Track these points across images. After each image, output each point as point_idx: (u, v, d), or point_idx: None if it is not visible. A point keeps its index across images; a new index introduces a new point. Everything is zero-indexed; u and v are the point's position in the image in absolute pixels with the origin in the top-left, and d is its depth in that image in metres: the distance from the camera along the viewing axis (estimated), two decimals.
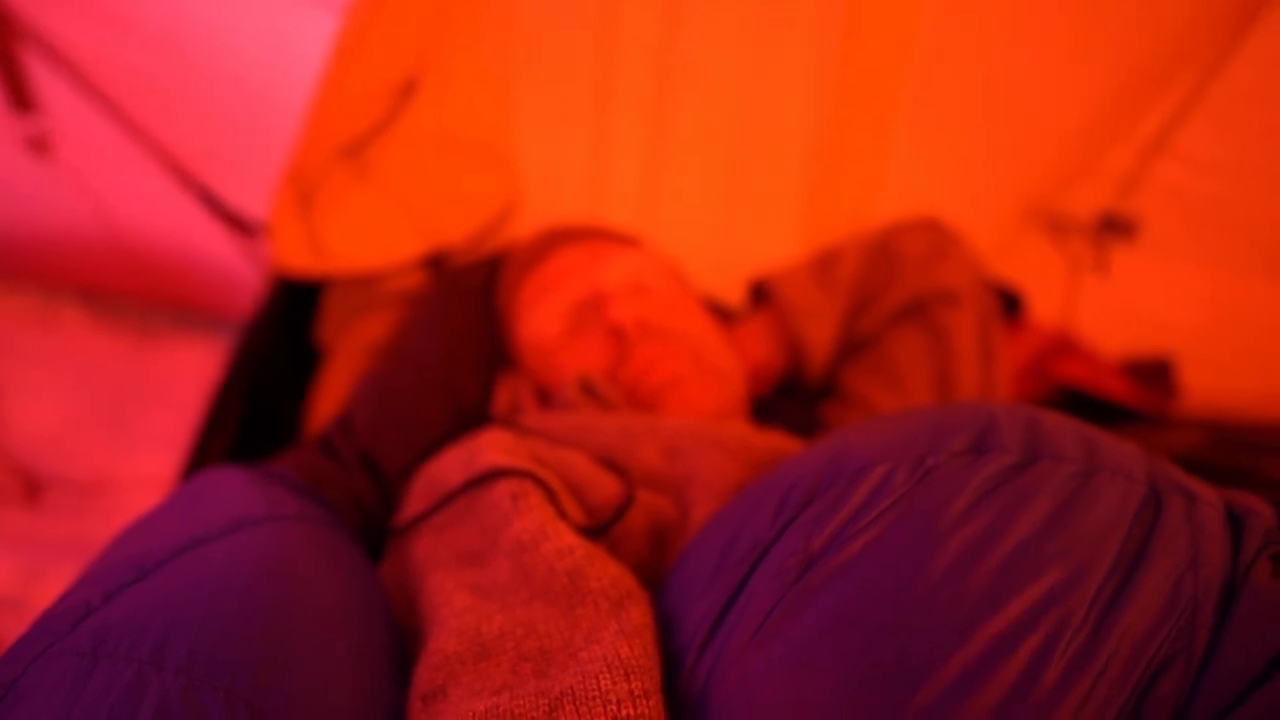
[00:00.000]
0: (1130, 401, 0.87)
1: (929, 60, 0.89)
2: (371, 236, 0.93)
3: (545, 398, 0.75)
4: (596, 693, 0.35)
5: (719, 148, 0.97)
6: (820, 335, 0.81)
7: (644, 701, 0.35)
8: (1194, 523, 0.37)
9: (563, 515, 0.48)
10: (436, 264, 0.93)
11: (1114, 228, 0.91)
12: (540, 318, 0.74)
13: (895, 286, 0.81)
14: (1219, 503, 0.39)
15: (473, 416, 0.73)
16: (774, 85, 0.92)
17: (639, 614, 0.41)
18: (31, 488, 1.06)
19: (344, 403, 0.73)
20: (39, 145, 1.07)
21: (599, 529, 0.49)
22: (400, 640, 0.48)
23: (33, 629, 0.35)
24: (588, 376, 0.67)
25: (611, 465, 0.54)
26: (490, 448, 0.54)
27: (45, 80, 1.01)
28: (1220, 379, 0.90)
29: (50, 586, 0.94)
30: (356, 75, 0.84)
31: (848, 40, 0.88)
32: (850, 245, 0.85)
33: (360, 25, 0.81)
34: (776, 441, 0.57)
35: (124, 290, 1.30)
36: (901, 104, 0.92)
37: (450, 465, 0.56)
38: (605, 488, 0.52)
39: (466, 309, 0.83)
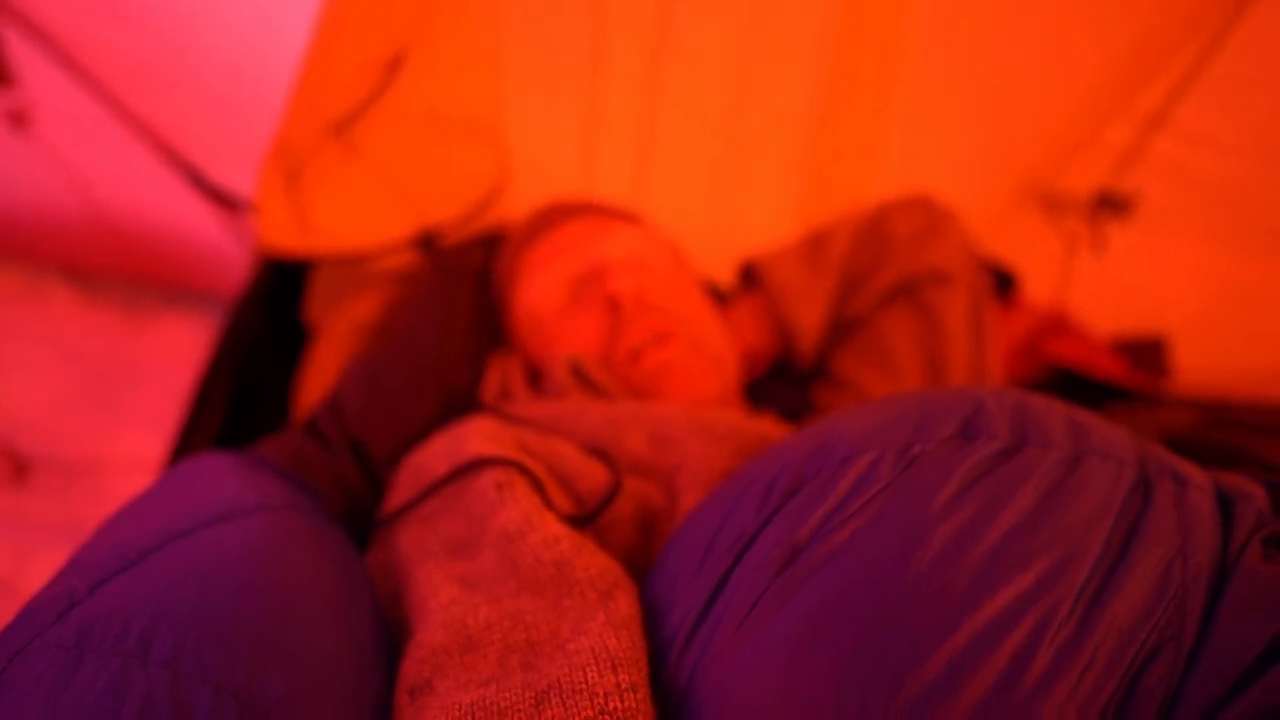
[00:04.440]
0: (1123, 381, 0.86)
1: (926, 37, 0.87)
2: (360, 215, 0.92)
3: (535, 379, 0.75)
4: (584, 685, 0.35)
5: (714, 123, 0.96)
6: (810, 317, 0.80)
7: (631, 694, 0.35)
8: (1184, 508, 0.36)
9: (549, 505, 0.48)
10: (426, 243, 0.92)
11: (1109, 205, 0.90)
12: (539, 288, 0.73)
13: (886, 266, 0.80)
14: (1210, 486, 0.39)
15: (463, 401, 0.72)
16: (770, 61, 0.91)
17: (627, 604, 0.40)
18: (19, 468, 1.05)
19: (333, 385, 0.72)
20: (18, 120, 1.05)
21: (586, 518, 0.48)
22: (388, 631, 0.47)
23: (17, 620, 0.35)
24: (578, 359, 0.67)
25: (599, 453, 0.53)
26: (475, 436, 0.53)
27: (23, 54, 0.98)
28: (1214, 357, 0.90)
29: (39, 567, 0.94)
30: (342, 49, 0.82)
31: (845, 16, 0.86)
32: (840, 225, 0.84)
33: None
34: (766, 427, 0.56)
35: (109, 268, 1.29)
36: (898, 81, 0.90)
37: (436, 454, 0.55)
38: (592, 476, 0.52)
39: (461, 289, 0.82)
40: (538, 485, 0.49)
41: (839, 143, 0.95)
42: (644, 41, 0.90)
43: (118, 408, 1.15)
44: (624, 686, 0.35)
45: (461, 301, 0.81)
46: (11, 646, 0.33)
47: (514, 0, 0.89)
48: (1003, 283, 0.92)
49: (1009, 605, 0.32)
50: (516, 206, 0.95)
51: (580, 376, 0.66)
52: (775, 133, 0.95)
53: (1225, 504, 0.38)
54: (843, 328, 0.83)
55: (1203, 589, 0.33)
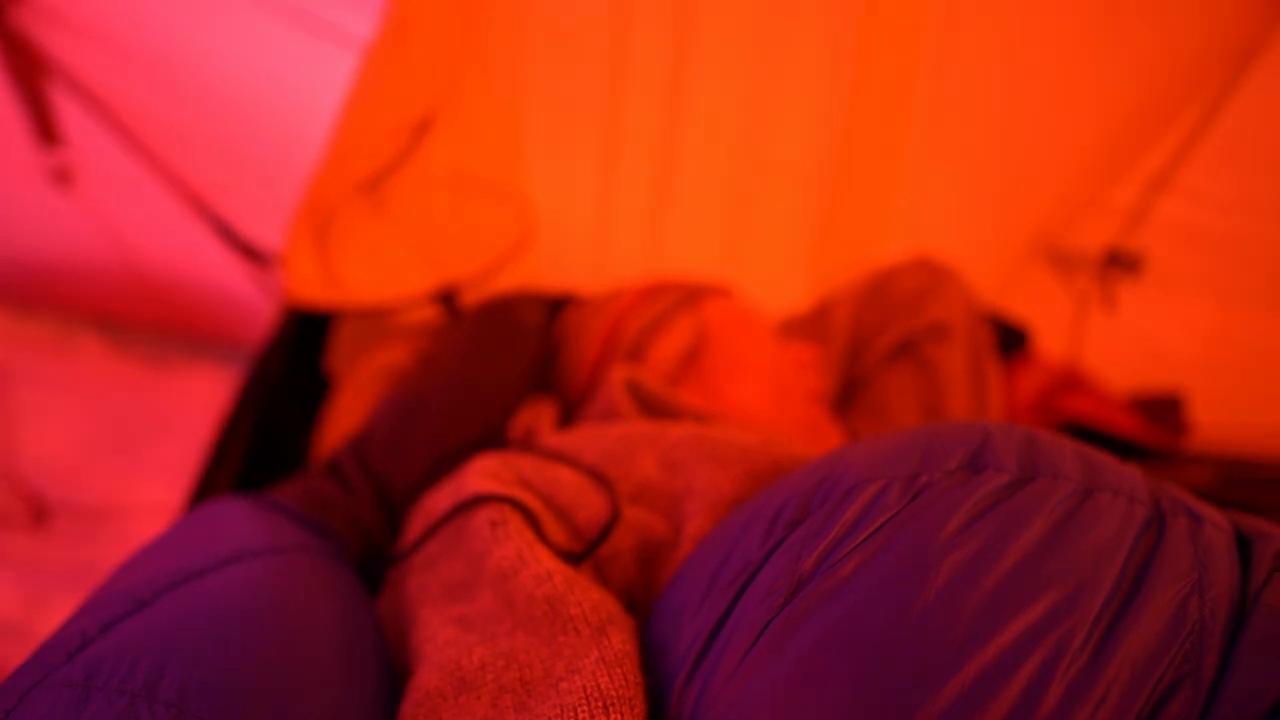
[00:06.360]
0: (1139, 437, 0.86)
1: (934, 97, 0.90)
2: (384, 270, 0.94)
3: (579, 406, 0.75)
4: None
5: (727, 183, 0.98)
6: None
7: None
8: (1199, 543, 0.35)
9: (543, 539, 0.47)
10: (446, 298, 0.94)
11: (1119, 263, 0.91)
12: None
13: (888, 327, 0.82)
14: (1227, 525, 0.38)
15: (491, 441, 0.72)
16: (780, 121, 0.94)
17: (620, 640, 0.40)
18: (38, 513, 1.06)
19: (360, 426, 0.72)
20: (62, 177, 1.10)
21: (584, 552, 0.48)
22: (393, 675, 0.47)
23: (30, 660, 0.35)
24: (634, 375, 0.67)
25: (601, 480, 0.53)
26: (474, 474, 0.54)
27: (70, 114, 1.04)
28: (1229, 413, 0.89)
29: (54, 613, 0.94)
30: (373, 113, 0.86)
31: (854, 78, 0.90)
32: (843, 294, 0.87)
33: (378, 65, 0.84)
34: (781, 452, 0.55)
35: (139, 318, 1.33)
36: (908, 140, 0.93)
37: (442, 495, 0.56)
38: (591, 507, 0.51)
39: (517, 343, 0.81)
40: (532, 520, 0.49)
41: (850, 200, 0.97)
42: (658, 103, 0.94)
43: (140, 455, 1.17)
44: None
45: (514, 352, 0.80)
46: (23, 685, 0.34)
47: (534, 65, 0.93)
48: (1016, 339, 0.92)
49: (1018, 639, 0.31)
50: (536, 262, 0.98)
51: (637, 394, 0.66)
52: (787, 192, 0.98)
53: (1244, 544, 0.37)
54: (851, 389, 0.84)
55: (1221, 625, 0.32)
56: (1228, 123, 0.83)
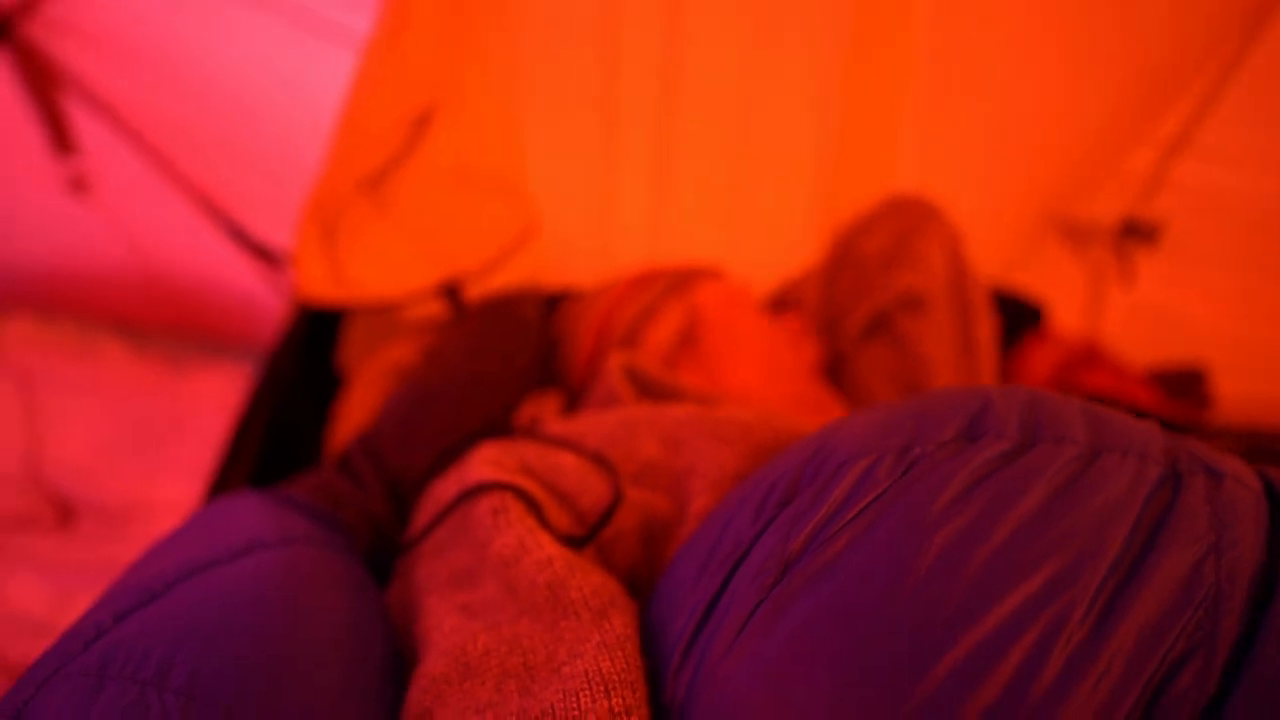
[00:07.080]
0: (1161, 413, 0.83)
1: (937, 70, 0.88)
2: (390, 266, 0.95)
3: (580, 396, 0.75)
4: (576, 711, 0.35)
5: (726, 168, 0.98)
6: None
7: (624, 718, 0.34)
8: (1218, 502, 0.33)
9: (545, 525, 0.47)
10: (452, 293, 0.94)
11: (1136, 232, 0.88)
12: None
13: (860, 301, 0.78)
14: (1256, 483, 0.35)
15: (496, 431, 0.72)
16: (780, 102, 0.93)
17: (621, 624, 0.40)
18: (64, 514, 1.09)
19: (369, 422, 0.73)
20: (79, 185, 1.13)
21: (587, 536, 0.48)
22: (400, 662, 0.47)
23: (48, 651, 0.36)
24: (631, 360, 0.67)
25: (603, 463, 0.53)
26: (478, 462, 0.54)
27: (85, 124, 1.06)
28: (1254, 385, 0.87)
29: (81, 612, 0.96)
30: (373, 110, 0.87)
31: (854, 51, 0.88)
32: (814, 266, 0.83)
33: (375, 62, 0.84)
34: (781, 427, 0.55)
35: (156, 321, 1.35)
36: (910, 115, 0.91)
37: (448, 482, 0.56)
38: (593, 491, 0.51)
39: (517, 338, 0.82)
40: (534, 506, 0.49)
41: (852, 178, 0.96)
42: (654, 90, 0.93)
43: (162, 455, 1.19)
44: (616, 711, 0.34)
45: (505, 345, 0.81)
46: (41, 675, 0.34)
47: (531, 58, 0.93)
48: (1030, 315, 0.91)
49: (1014, 613, 0.30)
50: (539, 254, 0.98)
51: (636, 379, 0.66)
52: (788, 172, 0.97)
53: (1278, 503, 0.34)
54: (835, 368, 0.81)
55: (1242, 589, 0.30)
56: (1242, 84, 0.80)
